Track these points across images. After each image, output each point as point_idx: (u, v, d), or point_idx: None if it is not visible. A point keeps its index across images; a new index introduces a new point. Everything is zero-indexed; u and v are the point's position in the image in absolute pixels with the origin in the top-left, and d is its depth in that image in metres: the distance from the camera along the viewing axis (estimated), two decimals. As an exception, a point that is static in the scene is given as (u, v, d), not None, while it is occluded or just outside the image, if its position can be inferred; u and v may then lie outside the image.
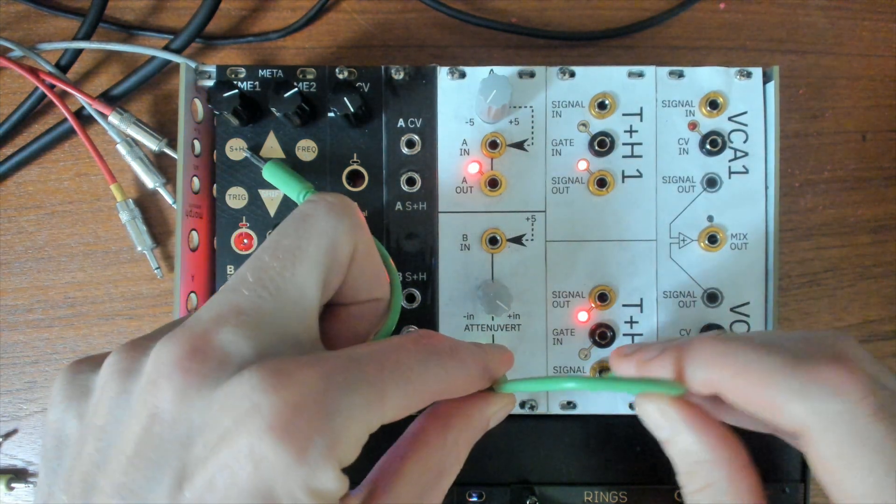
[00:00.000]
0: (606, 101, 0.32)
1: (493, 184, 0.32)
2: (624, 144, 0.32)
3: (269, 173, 0.31)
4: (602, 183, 0.32)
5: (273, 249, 0.20)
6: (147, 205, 0.39)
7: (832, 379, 0.20)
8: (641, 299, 0.32)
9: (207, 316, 0.19)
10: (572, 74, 0.32)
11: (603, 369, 0.32)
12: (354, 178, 0.33)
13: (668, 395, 0.23)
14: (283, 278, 0.20)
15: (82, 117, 0.38)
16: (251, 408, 0.17)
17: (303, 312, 0.20)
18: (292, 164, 0.32)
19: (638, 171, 0.32)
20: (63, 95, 0.38)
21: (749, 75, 0.32)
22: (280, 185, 0.31)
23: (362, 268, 0.23)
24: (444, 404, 0.23)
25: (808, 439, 0.20)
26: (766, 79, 0.32)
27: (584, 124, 0.32)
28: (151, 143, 0.37)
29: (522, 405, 0.32)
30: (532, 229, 0.32)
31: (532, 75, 0.32)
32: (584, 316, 0.32)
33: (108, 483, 0.18)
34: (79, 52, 0.38)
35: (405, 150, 0.32)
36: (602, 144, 0.32)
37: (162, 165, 0.38)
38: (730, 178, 0.32)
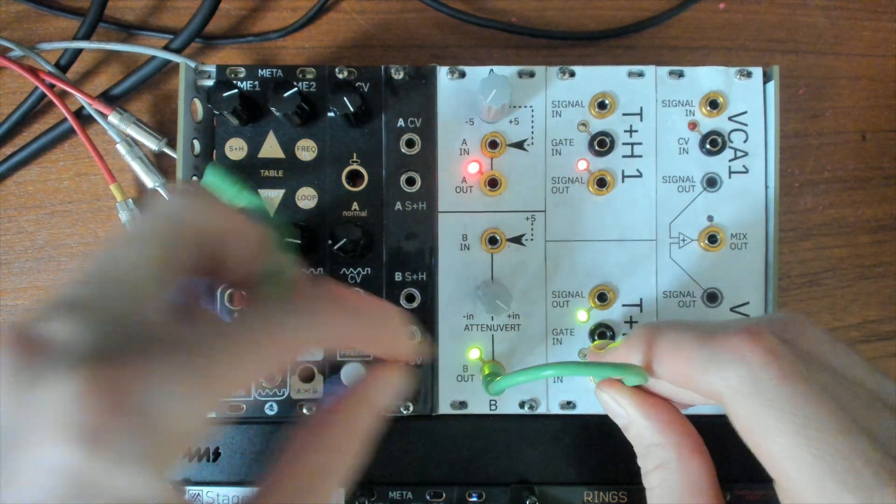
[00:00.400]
0: (606, 101, 0.32)
1: (493, 184, 0.32)
2: (624, 144, 0.32)
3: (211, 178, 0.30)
4: (602, 183, 0.32)
5: (109, 241, 0.19)
6: (147, 205, 0.39)
7: (736, 348, 0.21)
8: (641, 299, 0.32)
9: (36, 311, 0.18)
10: (572, 74, 0.32)
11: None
12: (354, 177, 0.33)
13: (620, 384, 0.25)
14: (114, 262, 0.19)
15: (82, 117, 0.38)
16: (48, 413, 0.16)
17: (135, 291, 0.18)
18: (292, 163, 0.32)
19: (638, 170, 0.32)
20: (63, 95, 0.38)
21: (749, 75, 0.32)
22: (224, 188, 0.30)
23: (227, 244, 0.21)
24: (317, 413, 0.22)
25: (726, 407, 0.22)
26: (766, 79, 0.32)
27: (583, 124, 0.32)
28: (151, 143, 0.37)
29: (522, 405, 0.32)
30: (532, 229, 0.32)
31: (532, 75, 0.32)
32: (583, 316, 0.32)
33: None
34: (79, 51, 0.38)
35: (405, 150, 0.32)
36: (602, 144, 0.32)
37: (162, 165, 0.38)
38: (730, 177, 0.32)
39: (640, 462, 0.25)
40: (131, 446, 0.16)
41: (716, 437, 0.32)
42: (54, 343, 0.17)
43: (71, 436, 0.16)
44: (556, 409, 0.32)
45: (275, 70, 0.33)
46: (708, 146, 0.32)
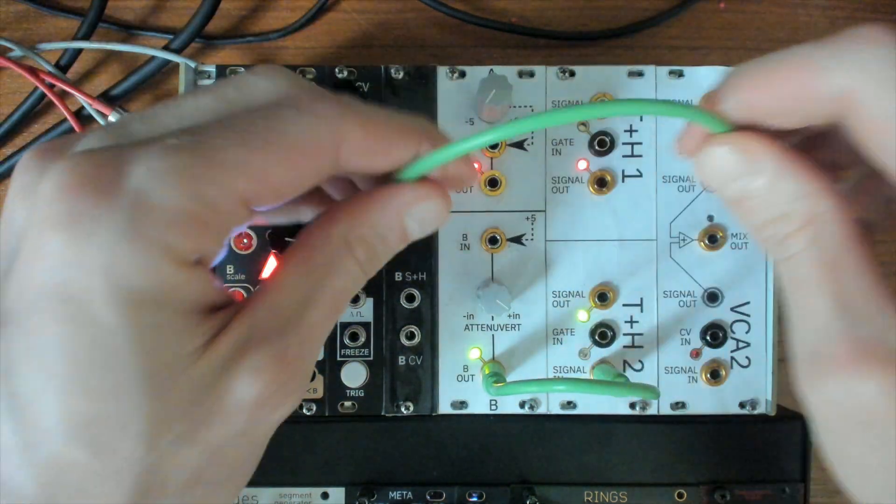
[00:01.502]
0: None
1: (493, 183, 0.32)
2: (624, 144, 0.32)
3: None
4: (602, 183, 0.32)
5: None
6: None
7: (868, 35, 0.18)
8: (641, 299, 0.32)
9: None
10: (572, 74, 0.32)
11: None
12: (354, 177, 0.33)
13: (753, 131, 0.19)
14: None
15: (82, 117, 0.38)
16: (42, 205, 0.16)
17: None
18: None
19: (638, 170, 0.32)
20: (63, 95, 0.38)
21: (749, 75, 0.32)
22: None
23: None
24: (334, 204, 0.21)
25: (851, 108, 0.18)
26: (766, 78, 0.32)
27: (583, 124, 0.32)
28: (151, 143, 0.37)
29: (522, 405, 0.32)
30: (532, 229, 0.32)
31: (532, 75, 0.32)
32: (584, 316, 0.32)
33: None
34: (79, 51, 0.38)
35: (405, 150, 0.32)
36: (602, 144, 0.32)
37: (162, 165, 0.38)
38: (730, 177, 0.32)
39: (771, 231, 0.19)
40: (116, 225, 0.16)
41: (716, 436, 0.32)
42: (67, 145, 0.18)
43: (57, 223, 0.16)
44: (556, 409, 0.32)
45: (275, 70, 0.33)
46: (708, 146, 0.32)
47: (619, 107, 0.20)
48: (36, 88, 0.37)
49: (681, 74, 0.32)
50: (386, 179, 0.21)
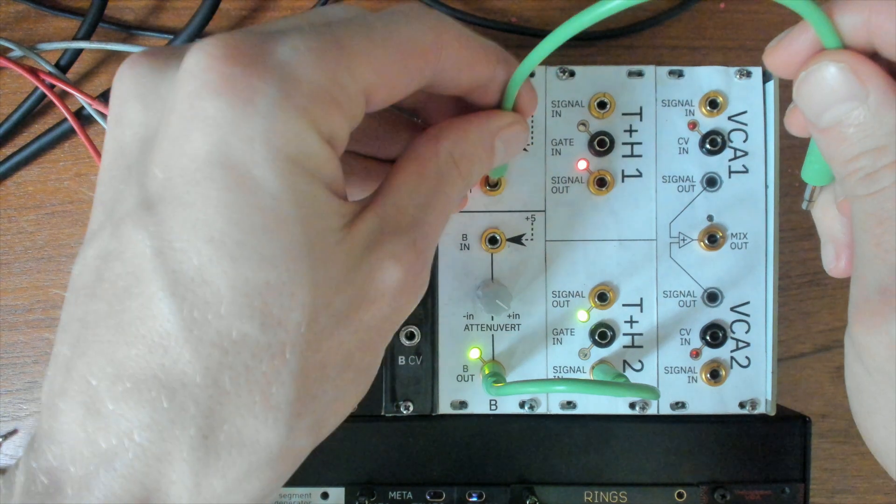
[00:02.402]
0: (606, 101, 0.32)
1: (493, 183, 0.32)
2: (624, 144, 0.32)
3: None
4: (602, 182, 0.32)
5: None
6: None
7: None
8: (641, 299, 0.32)
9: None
10: (572, 74, 0.32)
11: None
12: (354, 177, 0.33)
13: (852, 53, 0.18)
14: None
15: (82, 117, 0.38)
16: (191, 77, 0.17)
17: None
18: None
19: (638, 170, 0.32)
20: (63, 95, 0.38)
21: (749, 74, 0.32)
22: None
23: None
24: (437, 124, 0.22)
25: None
26: (766, 78, 0.32)
27: (583, 124, 0.32)
28: (151, 143, 0.37)
29: (522, 405, 0.32)
30: (532, 229, 0.32)
31: (532, 75, 0.32)
32: (584, 316, 0.32)
33: (95, 197, 0.18)
34: (79, 52, 0.38)
35: (405, 150, 0.32)
36: (602, 144, 0.32)
37: (162, 165, 0.38)
38: (730, 177, 0.32)
39: (860, 163, 0.18)
40: (265, 89, 0.16)
41: (716, 436, 0.32)
42: (176, 48, 0.19)
43: (200, 85, 0.16)
44: (556, 409, 0.32)
45: (275, 70, 0.33)
46: (708, 146, 0.32)
47: None
48: (36, 88, 0.37)
49: (681, 74, 0.32)
50: (463, 106, 0.23)
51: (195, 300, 0.16)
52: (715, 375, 0.32)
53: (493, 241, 0.32)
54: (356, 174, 0.25)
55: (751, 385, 0.32)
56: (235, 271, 0.16)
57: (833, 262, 0.24)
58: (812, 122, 0.19)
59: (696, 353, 0.32)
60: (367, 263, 0.18)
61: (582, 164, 0.32)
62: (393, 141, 0.25)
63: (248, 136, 0.16)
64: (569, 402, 0.32)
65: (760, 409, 0.32)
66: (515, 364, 0.32)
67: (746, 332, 0.32)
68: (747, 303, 0.32)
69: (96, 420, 0.16)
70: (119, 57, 0.39)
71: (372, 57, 0.18)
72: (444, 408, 0.32)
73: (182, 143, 0.16)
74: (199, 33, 0.36)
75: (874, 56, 0.18)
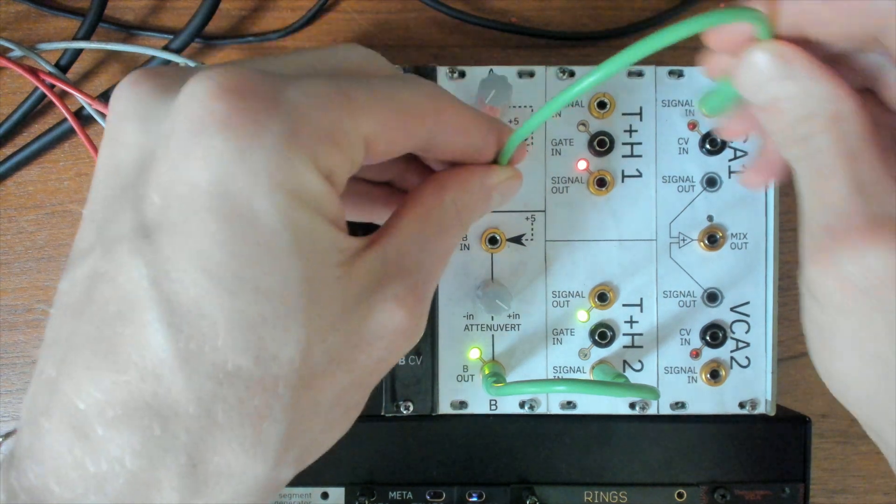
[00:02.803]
0: (606, 101, 0.32)
1: (493, 184, 0.32)
2: (623, 144, 0.32)
3: None
4: (602, 183, 0.32)
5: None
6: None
7: None
8: (641, 299, 0.32)
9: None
10: (572, 74, 0.32)
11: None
12: (354, 177, 0.33)
13: (779, 42, 0.21)
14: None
15: (82, 117, 0.38)
16: (196, 105, 0.17)
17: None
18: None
19: (638, 170, 0.32)
20: (63, 95, 0.38)
21: (749, 75, 0.32)
22: None
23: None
24: (442, 172, 0.23)
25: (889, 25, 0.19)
26: (766, 78, 0.32)
27: (583, 124, 0.32)
28: (151, 143, 0.37)
29: (522, 405, 0.32)
30: (532, 229, 0.32)
31: (532, 75, 0.32)
32: (583, 316, 0.32)
33: (85, 213, 0.18)
34: (79, 52, 0.38)
35: (405, 150, 0.32)
36: (602, 144, 0.32)
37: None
38: (730, 177, 0.32)
39: (797, 130, 0.21)
40: (270, 125, 0.17)
41: (716, 436, 0.32)
42: (178, 70, 0.19)
43: (205, 120, 0.16)
44: (556, 409, 0.32)
45: (275, 70, 0.33)
46: (708, 146, 0.32)
47: (679, 30, 0.19)
48: (36, 88, 0.37)
49: (681, 74, 0.32)
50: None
51: (191, 331, 0.16)
52: (715, 375, 0.32)
53: (493, 241, 0.32)
54: (351, 195, 0.26)
55: (751, 385, 0.32)
56: (232, 304, 0.16)
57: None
58: (753, 102, 0.22)
59: (696, 354, 0.32)
60: (367, 304, 0.19)
61: (582, 164, 0.32)
62: (386, 167, 0.26)
63: (251, 171, 0.16)
64: (569, 402, 0.32)
65: (760, 409, 0.32)
66: (515, 364, 0.32)
67: (746, 332, 0.32)
68: (747, 303, 0.32)
69: (84, 444, 0.16)
70: (119, 57, 0.39)
71: (374, 111, 0.19)
72: (444, 408, 0.32)
73: (182, 170, 0.16)
74: (199, 33, 0.36)
75: (805, 43, 0.21)
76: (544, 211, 0.32)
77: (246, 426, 0.17)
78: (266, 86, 0.17)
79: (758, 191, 0.32)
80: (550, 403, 0.32)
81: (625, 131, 0.32)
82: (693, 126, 0.32)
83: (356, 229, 0.21)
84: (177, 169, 0.16)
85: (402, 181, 0.26)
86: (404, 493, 0.32)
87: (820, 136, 0.20)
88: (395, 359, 0.20)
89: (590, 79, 0.20)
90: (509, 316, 0.32)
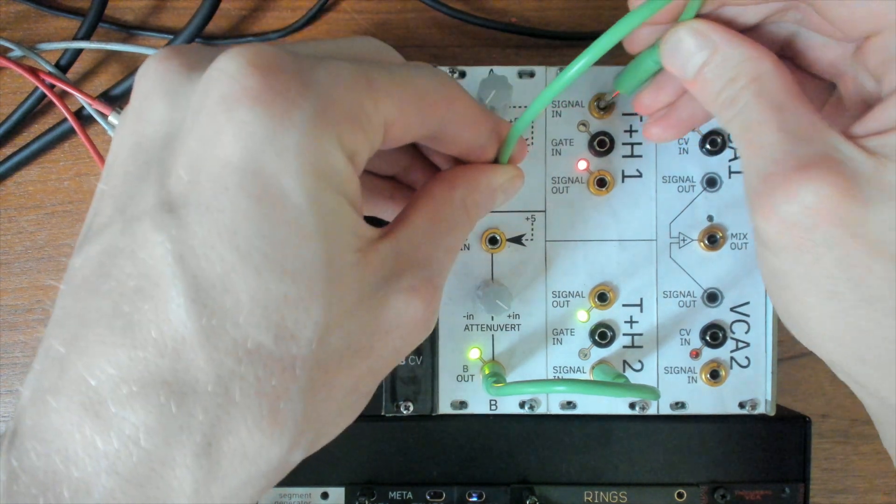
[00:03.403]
0: (606, 102, 0.32)
1: (493, 184, 0.32)
2: (624, 144, 0.32)
3: None
4: (602, 183, 0.32)
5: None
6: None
7: None
8: (641, 299, 0.32)
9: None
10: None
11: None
12: (354, 177, 0.33)
13: (695, 20, 0.23)
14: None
15: (82, 117, 0.38)
16: (228, 80, 0.17)
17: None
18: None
19: (638, 170, 0.32)
20: (63, 95, 0.38)
21: (749, 75, 0.32)
22: None
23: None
24: (451, 170, 0.23)
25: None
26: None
27: (583, 124, 0.32)
28: (151, 143, 0.37)
29: (522, 405, 0.32)
30: (532, 229, 0.32)
31: (532, 75, 0.32)
32: (584, 316, 0.32)
33: (102, 189, 0.18)
34: (79, 52, 0.38)
35: (405, 150, 0.32)
36: (602, 144, 0.32)
37: (162, 165, 0.38)
38: (730, 177, 0.32)
39: (724, 94, 0.22)
40: (301, 103, 0.17)
41: (716, 436, 0.32)
42: (202, 48, 0.20)
43: (236, 94, 0.16)
44: (556, 409, 0.32)
45: (275, 70, 0.33)
46: (708, 146, 0.32)
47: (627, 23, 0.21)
48: (36, 88, 0.37)
49: (681, 74, 0.32)
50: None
51: (215, 307, 0.16)
52: (715, 375, 0.32)
53: (493, 241, 0.32)
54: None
55: (751, 385, 0.32)
56: (258, 282, 0.16)
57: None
58: (683, 77, 0.23)
59: (695, 354, 0.32)
60: (384, 292, 0.19)
61: (582, 164, 0.32)
62: (392, 161, 0.26)
63: (282, 148, 0.16)
64: (569, 403, 0.32)
65: (760, 409, 0.32)
66: (515, 364, 0.32)
67: (746, 333, 0.32)
68: (747, 303, 0.32)
69: (95, 422, 0.16)
70: (119, 57, 0.39)
71: (394, 95, 0.19)
72: (444, 408, 0.32)
73: (212, 146, 0.16)
74: (199, 33, 0.36)
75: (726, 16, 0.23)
76: (544, 211, 0.32)
77: (263, 406, 0.17)
78: (297, 65, 0.17)
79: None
80: (550, 403, 0.32)
81: (625, 131, 0.32)
82: (693, 126, 0.32)
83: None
84: (206, 144, 0.16)
85: (406, 176, 0.27)
86: (404, 493, 0.32)
87: (744, 95, 0.22)
88: (408, 349, 0.21)
89: (580, 62, 0.21)
90: (509, 316, 0.32)
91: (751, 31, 0.24)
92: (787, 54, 0.25)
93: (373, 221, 0.21)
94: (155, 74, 0.18)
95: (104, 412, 0.16)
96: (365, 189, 0.26)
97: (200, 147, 0.17)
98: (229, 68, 0.17)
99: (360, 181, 0.25)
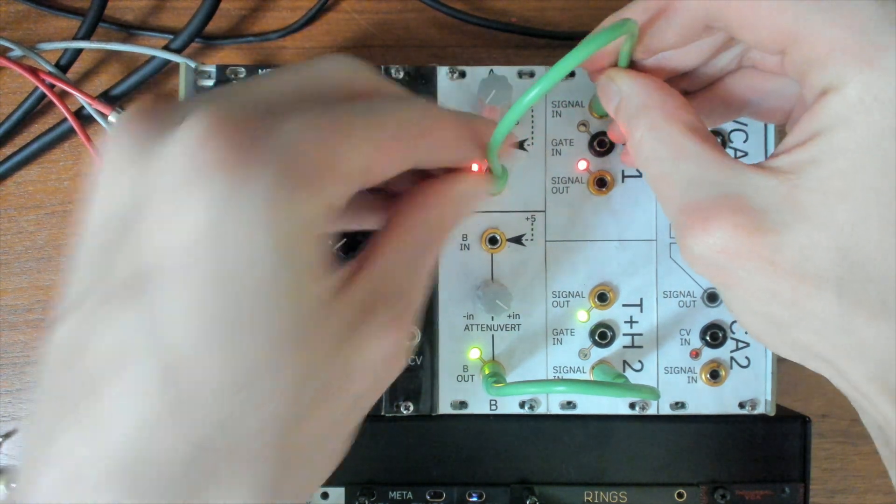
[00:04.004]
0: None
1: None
2: (623, 144, 0.32)
3: None
4: (602, 183, 0.32)
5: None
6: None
7: None
8: (641, 299, 0.32)
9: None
10: (572, 74, 0.32)
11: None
12: (354, 177, 0.33)
13: (611, 68, 0.25)
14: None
15: (82, 117, 0.38)
16: (188, 154, 0.16)
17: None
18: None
19: (638, 170, 0.32)
20: (63, 95, 0.38)
21: (749, 75, 0.32)
22: None
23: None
24: (419, 187, 0.23)
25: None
26: (766, 79, 0.32)
27: (583, 124, 0.32)
28: (151, 143, 0.37)
29: (522, 405, 0.32)
30: (532, 229, 0.32)
31: (532, 75, 0.32)
32: (584, 316, 0.32)
33: (73, 264, 0.18)
34: (79, 51, 0.38)
35: (405, 150, 0.32)
36: (602, 144, 0.32)
37: (162, 165, 0.38)
38: (730, 177, 0.32)
39: (630, 128, 0.24)
40: (274, 167, 0.16)
41: (716, 436, 0.32)
42: (178, 105, 0.19)
43: (213, 166, 0.16)
44: (556, 409, 0.32)
45: (275, 70, 0.33)
46: (708, 146, 0.32)
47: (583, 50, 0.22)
48: (36, 88, 0.37)
49: (681, 74, 0.32)
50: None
51: (185, 384, 0.16)
52: (715, 375, 0.32)
53: (493, 241, 0.32)
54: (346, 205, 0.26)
55: (750, 385, 0.32)
56: (226, 357, 0.16)
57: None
58: (611, 115, 0.25)
59: (695, 354, 0.32)
60: (358, 335, 0.19)
61: (582, 165, 0.32)
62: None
63: (243, 219, 0.16)
64: (569, 403, 0.32)
65: (760, 409, 0.32)
66: (515, 364, 0.32)
67: (746, 332, 0.32)
68: (747, 303, 0.32)
69: (75, 496, 0.16)
70: (119, 57, 0.39)
71: (371, 140, 0.19)
72: (444, 408, 0.32)
73: (174, 222, 0.16)
74: (199, 33, 0.36)
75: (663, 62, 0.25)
76: (544, 211, 0.32)
77: (237, 474, 0.17)
78: (257, 124, 0.17)
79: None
80: (550, 403, 0.32)
81: (625, 131, 0.32)
82: (693, 126, 0.32)
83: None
84: (168, 221, 0.16)
85: (394, 185, 0.26)
86: (404, 493, 0.32)
87: (637, 129, 0.23)
88: (383, 386, 0.21)
89: (566, 63, 0.21)
90: (509, 316, 0.32)
91: (703, 69, 0.26)
92: (749, 83, 0.26)
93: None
94: (118, 148, 0.18)
95: (79, 489, 0.16)
96: (354, 204, 0.26)
97: (163, 224, 0.16)
98: (186, 138, 0.16)
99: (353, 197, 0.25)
